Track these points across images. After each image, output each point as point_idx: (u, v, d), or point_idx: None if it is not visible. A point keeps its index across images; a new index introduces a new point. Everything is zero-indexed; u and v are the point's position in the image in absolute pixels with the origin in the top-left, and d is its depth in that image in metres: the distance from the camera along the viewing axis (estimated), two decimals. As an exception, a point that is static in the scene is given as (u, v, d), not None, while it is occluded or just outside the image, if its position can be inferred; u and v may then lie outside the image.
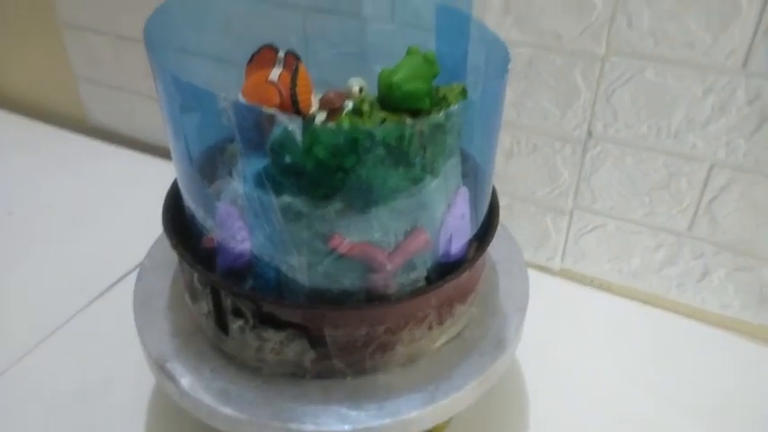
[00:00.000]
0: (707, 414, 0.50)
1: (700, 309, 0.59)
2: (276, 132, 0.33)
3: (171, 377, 0.39)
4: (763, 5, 0.45)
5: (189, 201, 0.40)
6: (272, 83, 0.37)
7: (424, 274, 0.39)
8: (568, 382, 0.52)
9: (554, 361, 0.54)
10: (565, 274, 0.64)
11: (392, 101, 0.37)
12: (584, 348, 0.55)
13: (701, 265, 0.57)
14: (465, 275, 0.40)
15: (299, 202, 0.35)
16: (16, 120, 0.91)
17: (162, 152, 0.83)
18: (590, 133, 0.56)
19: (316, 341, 0.38)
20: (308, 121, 0.37)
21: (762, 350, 0.56)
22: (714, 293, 0.58)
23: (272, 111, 0.32)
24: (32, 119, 0.90)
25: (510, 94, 0.57)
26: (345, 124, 0.36)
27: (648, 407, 0.50)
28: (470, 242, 0.41)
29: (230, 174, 0.36)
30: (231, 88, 0.39)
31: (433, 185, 0.37)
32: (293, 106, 0.37)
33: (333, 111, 0.39)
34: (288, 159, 0.34)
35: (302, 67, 0.38)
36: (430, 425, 0.39)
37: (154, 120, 0.83)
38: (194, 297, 0.41)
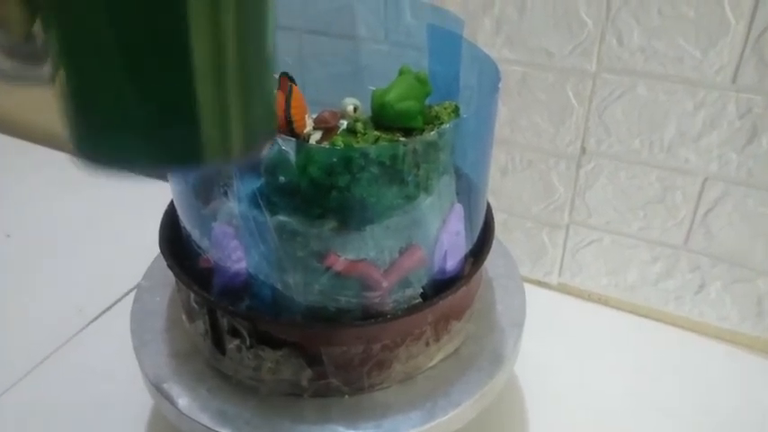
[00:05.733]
0: (708, 427, 0.49)
1: (698, 321, 0.59)
2: (270, 152, 0.33)
3: (168, 398, 0.39)
4: (750, 21, 0.46)
5: (185, 221, 0.40)
6: (266, 104, 0.38)
7: (420, 290, 0.39)
8: (567, 397, 0.52)
9: (552, 376, 0.54)
10: (562, 289, 0.64)
11: (385, 120, 0.38)
12: (582, 363, 0.55)
13: (698, 277, 0.57)
14: (461, 292, 0.40)
15: (293, 222, 0.35)
16: (13, 142, 0.91)
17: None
18: (583, 149, 0.56)
19: (312, 360, 0.38)
20: (301, 141, 0.38)
21: (761, 361, 0.56)
22: (712, 306, 0.58)
23: (266, 132, 0.33)
24: (29, 141, 0.91)
25: (504, 112, 0.58)
26: (339, 144, 0.36)
27: (647, 420, 0.50)
28: (466, 258, 0.42)
29: (225, 194, 0.36)
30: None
31: (427, 203, 0.37)
32: (288, 126, 0.38)
33: (328, 130, 0.40)
34: (282, 179, 0.34)
35: (296, 89, 0.38)
36: (428, 442, 0.39)
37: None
38: (191, 317, 0.41)
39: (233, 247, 0.37)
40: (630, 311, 0.61)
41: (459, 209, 0.40)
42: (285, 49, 0.56)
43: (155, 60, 0.19)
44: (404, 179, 0.35)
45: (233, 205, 0.36)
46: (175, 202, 0.42)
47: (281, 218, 0.35)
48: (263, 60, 0.21)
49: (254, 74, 0.21)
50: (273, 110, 0.22)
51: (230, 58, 0.19)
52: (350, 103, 0.40)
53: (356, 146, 0.36)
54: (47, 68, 0.20)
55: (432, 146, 0.36)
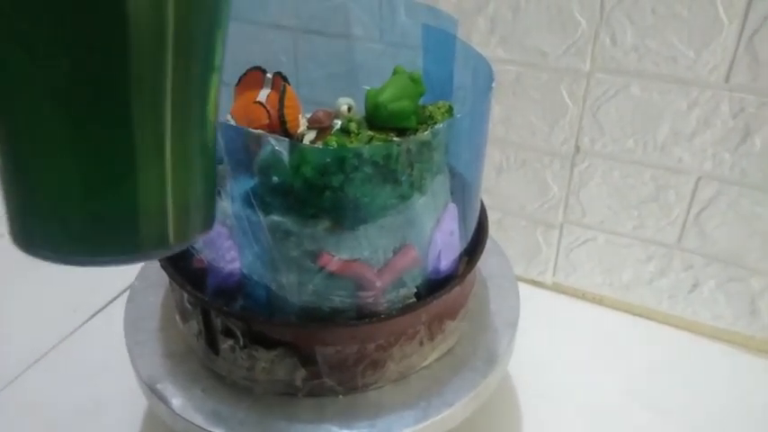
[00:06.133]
0: (702, 426, 0.50)
1: (692, 320, 0.59)
2: (264, 153, 0.33)
3: (162, 398, 0.39)
4: (743, 20, 0.46)
5: (179, 221, 0.40)
6: (260, 103, 0.38)
7: (414, 290, 0.39)
8: (561, 397, 0.52)
9: (547, 375, 0.54)
10: (557, 288, 0.64)
11: (379, 120, 0.38)
12: (576, 362, 0.55)
13: (692, 276, 0.57)
14: (455, 291, 0.40)
15: (287, 222, 0.35)
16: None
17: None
18: (578, 148, 0.56)
19: (306, 359, 0.38)
20: (294, 141, 0.38)
21: (755, 360, 0.56)
22: (705, 305, 0.58)
23: (259, 131, 0.33)
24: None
25: (498, 111, 0.58)
26: (332, 143, 0.36)
27: (642, 420, 0.50)
28: (460, 258, 0.42)
29: (219, 194, 0.36)
30: (222, 109, 0.40)
31: (420, 202, 0.37)
32: (281, 126, 0.38)
33: (322, 130, 0.40)
34: (276, 179, 0.34)
35: (289, 88, 0.38)
36: (422, 442, 0.39)
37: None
38: (185, 317, 0.41)
39: (227, 247, 0.37)
40: (625, 311, 0.61)
41: (453, 208, 0.40)
42: (280, 48, 0.56)
43: (97, 165, 0.19)
44: (397, 179, 0.35)
45: (226, 205, 0.36)
46: (169, 202, 0.41)
47: (275, 218, 0.35)
48: (202, 162, 0.21)
49: (194, 174, 0.21)
50: (213, 203, 0.22)
51: (170, 162, 0.19)
52: (344, 103, 0.40)
53: (350, 146, 0.36)
54: None
55: (425, 145, 0.36)
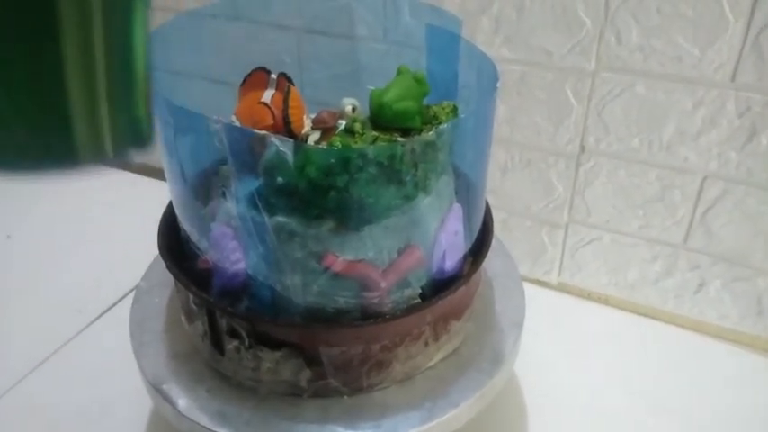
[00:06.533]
0: (708, 426, 0.49)
1: (698, 320, 0.59)
2: (268, 154, 0.33)
3: (167, 399, 0.39)
4: (749, 19, 0.46)
5: (184, 222, 0.40)
6: (264, 104, 0.38)
7: (419, 291, 0.39)
8: (567, 397, 0.52)
9: (552, 375, 0.53)
10: (562, 288, 0.64)
11: (383, 120, 0.38)
12: (582, 362, 0.55)
13: (698, 276, 0.57)
14: (460, 291, 0.40)
15: (292, 222, 0.35)
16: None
17: (159, 174, 0.83)
18: (583, 148, 0.56)
19: (311, 360, 0.38)
20: (299, 141, 0.38)
21: (761, 360, 0.56)
22: (711, 304, 0.58)
23: (263, 133, 0.33)
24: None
25: (503, 111, 0.58)
26: (337, 144, 0.36)
27: (648, 419, 0.50)
28: (465, 258, 0.42)
29: (224, 195, 0.36)
30: (227, 109, 0.40)
31: (425, 203, 0.37)
32: (286, 127, 0.38)
33: (326, 130, 0.40)
34: (280, 180, 0.34)
35: (294, 89, 0.38)
36: (428, 442, 0.39)
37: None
38: (190, 318, 0.41)
39: (232, 248, 0.37)
40: (630, 310, 0.61)
41: (457, 208, 0.40)
42: (283, 49, 0.56)
43: (27, 75, 0.19)
44: (402, 179, 0.35)
45: (231, 206, 0.36)
46: (174, 203, 0.42)
47: (280, 218, 0.35)
48: (134, 77, 0.22)
49: (125, 87, 0.22)
50: (148, 122, 0.23)
51: (100, 73, 0.20)
52: (348, 104, 0.40)
53: (354, 146, 0.36)
54: None
55: (430, 146, 0.36)
